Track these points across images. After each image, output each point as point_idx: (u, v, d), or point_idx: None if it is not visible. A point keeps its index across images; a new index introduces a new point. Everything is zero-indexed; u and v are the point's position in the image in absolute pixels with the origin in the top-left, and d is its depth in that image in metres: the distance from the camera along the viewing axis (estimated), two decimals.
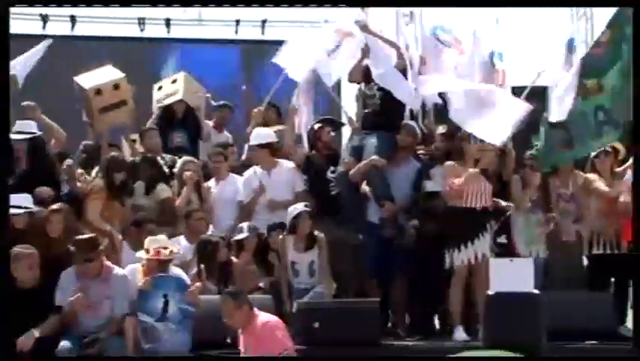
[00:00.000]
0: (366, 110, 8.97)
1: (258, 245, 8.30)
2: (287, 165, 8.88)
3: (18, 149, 8.26)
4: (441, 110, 9.11)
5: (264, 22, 12.90)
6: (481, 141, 8.30)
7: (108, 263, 7.51)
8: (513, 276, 7.07)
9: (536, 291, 7.09)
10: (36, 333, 7.11)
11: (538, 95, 9.27)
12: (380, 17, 9.36)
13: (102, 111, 9.18)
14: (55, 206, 7.83)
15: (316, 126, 8.98)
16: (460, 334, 8.00)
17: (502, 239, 8.41)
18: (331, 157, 8.92)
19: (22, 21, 12.67)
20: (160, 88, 10.11)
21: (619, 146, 8.62)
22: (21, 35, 12.57)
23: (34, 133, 8.40)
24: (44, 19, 12.16)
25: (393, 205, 8.54)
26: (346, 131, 9.92)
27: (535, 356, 6.64)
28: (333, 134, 9.09)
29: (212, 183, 8.93)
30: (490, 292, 7.18)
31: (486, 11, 9.34)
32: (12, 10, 12.29)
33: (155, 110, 10.01)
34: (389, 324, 8.68)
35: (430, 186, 8.46)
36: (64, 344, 7.12)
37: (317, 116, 9.50)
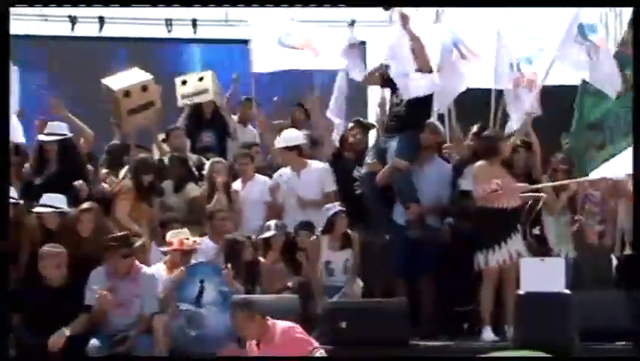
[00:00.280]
0: (392, 112, 8.97)
1: (285, 244, 8.31)
2: (316, 165, 8.90)
3: (49, 150, 8.33)
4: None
5: None
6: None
7: (137, 262, 7.57)
8: (544, 276, 7.06)
9: (567, 291, 7.09)
10: (67, 332, 7.16)
11: (568, 95, 9.24)
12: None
13: (130, 113, 9.25)
14: (85, 205, 7.88)
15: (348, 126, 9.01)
16: (488, 334, 7.97)
17: (537, 231, 8.35)
18: (359, 158, 8.92)
19: (51, 23, 12.80)
20: (184, 82, 10.14)
21: None
22: (51, 37, 12.73)
23: (65, 134, 8.45)
24: (73, 20, 12.24)
25: (418, 207, 8.53)
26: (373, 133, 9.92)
27: (567, 356, 6.60)
28: (359, 136, 9.11)
29: (238, 184, 8.96)
30: (520, 292, 7.17)
31: (507, 15, 9.27)
32: (39, 11, 12.55)
33: (180, 104, 10.05)
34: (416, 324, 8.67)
35: (464, 185, 8.43)
36: (94, 342, 7.18)
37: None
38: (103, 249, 7.48)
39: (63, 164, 8.31)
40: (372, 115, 10.03)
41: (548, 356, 6.20)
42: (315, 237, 8.26)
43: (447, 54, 8.97)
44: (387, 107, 9.11)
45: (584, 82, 8.89)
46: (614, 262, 8.63)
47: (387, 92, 9.12)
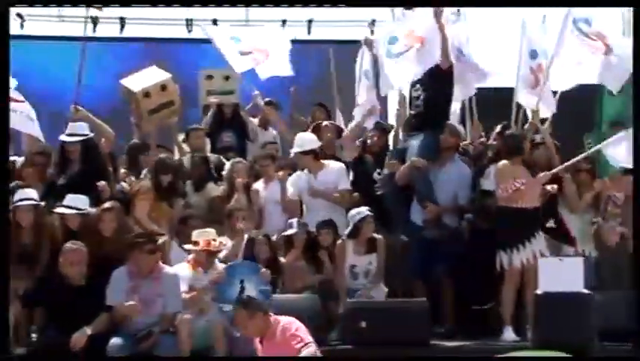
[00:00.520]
0: (411, 112, 8.96)
1: (307, 242, 8.32)
2: (333, 165, 8.90)
3: (72, 151, 8.37)
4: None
5: (310, 21, 12.91)
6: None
7: (159, 262, 7.57)
8: (562, 275, 7.02)
9: (586, 291, 7.05)
10: (88, 331, 7.17)
11: (592, 94, 9.21)
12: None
13: (151, 113, 9.28)
14: (107, 205, 7.91)
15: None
16: (509, 334, 7.95)
17: (551, 223, 8.30)
18: (379, 160, 8.93)
19: (70, 23, 12.86)
20: (210, 77, 10.13)
21: None
22: (71, 38, 12.78)
23: (87, 135, 8.49)
24: (94, 21, 12.30)
25: (436, 206, 8.52)
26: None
27: (586, 356, 6.56)
28: (377, 138, 9.13)
29: (260, 184, 8.97)
30: (538, 292, 7.14)
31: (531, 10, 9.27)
32: (60, 12, 12.63)
33: (205, 101, 10.04)
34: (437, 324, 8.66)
35: (486, 184, 8.42)
36: (115, 341, 7.17)
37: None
38: (127, 247, 7.47)
39: (85, 164, 8.34)
40: (392, 112, 10.01)
41: (566, 356, 6.19)
42: (340, 241, 8.25)
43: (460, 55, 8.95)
44: (407, 102, 9.11)
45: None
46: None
47: (407, 86, 9.13)
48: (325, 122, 9.60)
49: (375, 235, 8.30)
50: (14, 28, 12.53)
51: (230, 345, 7.33)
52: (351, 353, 7.62)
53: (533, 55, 8.97)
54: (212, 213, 8.68)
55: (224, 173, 9.09)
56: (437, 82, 8.71)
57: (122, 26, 12.94)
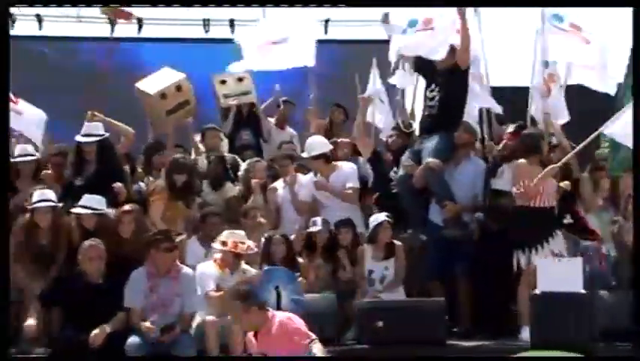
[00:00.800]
0: (426, 113, 8.96)
1: (327, 240, 8.33)
2: (345, 166, 8.88)
3: (88, 151, 8.41)
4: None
5: (326, 21, 12.92)
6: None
7: (177, 262, 7.56)
8: (561, 276, 7.04)
9: (583, 291, 7.09)
10: (107, 329, 7.20)
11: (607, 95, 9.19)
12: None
13: (168, 113, 9.33)
14: (126, 207, 7.94)
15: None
16: (526, 334, 7.91)
17: (568, 219, 8.27)
18: (397, 159, 8.95)
19: (89, 24, 12.94)
20: (223, 82, 10.17)
21: None
22: (90, 38, 12.88)
23: (102, 135, 8.53)
24: (112, 22, 12.37)
25: (455, 205, 8.51)
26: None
27: (586, 356, 6.55)
28: (396, 137, 9.14)
29: (280, 184, 8.98)
30: (537, 292, 7.17)
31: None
32: (75, 13, 12.72)
33: (224, 104, 10.06)
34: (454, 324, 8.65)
35: (498, 184, 8.40)
36: (134, 340, 7.18)
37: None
38: (145, 246, 7.49)
39: (101, 164, 8.38)
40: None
41: (568, 356, 6.18)
42: (360, 247, 8.29)
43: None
44: (422, 103, 9.13)
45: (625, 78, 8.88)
46: None
47: (422, 86, 9.14)
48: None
49: (395, 241, 8.32)
50: (33, 29, 12.67)
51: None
52: (367, 352, 7.61)
53: (546, 64, 9.00)
54: (229, 212, 8.69)
55: (240, 173, 9.11)
56: (452, 82, 8.69)
57: (140, 27, 13.00)
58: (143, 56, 12.33)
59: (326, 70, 10.67)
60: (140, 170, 9.16)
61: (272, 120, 10.45)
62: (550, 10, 8.83)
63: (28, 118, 8.85)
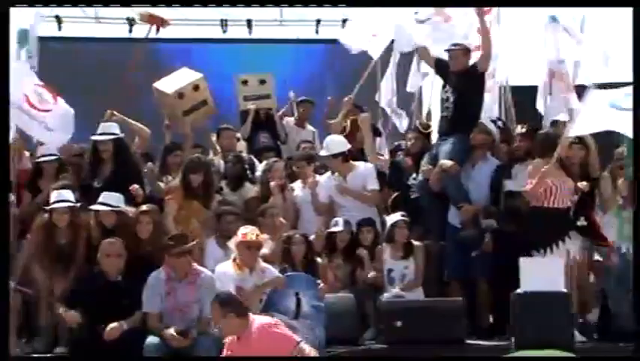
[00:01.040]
0: (443, 114, 8.94)
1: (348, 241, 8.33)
2: (363, 167, 8.90)
3: (104, 150, 8.43)
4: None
5: (344, 21, 12.90)
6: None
7: (195, 265, 7.51)
8: (543, 275, 7.09)
9: (565, 290, 7.15)
10: (124, 325, 7.21)
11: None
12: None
13: (186, 113, 9.34)
14: (144, 207, 7.95)
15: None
16: None
17: (582, 222, 8.22)
18: (416, 162, 8.95)
19: (108, 25, 13.00)
20: (245, 82, 10.14)
21: None
22: (109, 39, 12.92)
23: (117, 134, 8.54)
24: (131, 22, 12.41)
25: (471, 206, 8.49)
26: None
27: (586, 356, 6.60)
28: (414, 140, 9.13)
29: (298, 185, 8.99)
30: (519, 292, 7.21)
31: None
32: (94, 13, 12.77)
33: (243, 107, 10.06)
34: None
35: (511, 185, 8.36)
36: (152, 340, 7.16)
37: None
38: (161, 249, 7.49)
39: (117, 164, 8.40)
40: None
41: (567, 356, 6.19)
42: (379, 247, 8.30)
43: None
44: (439, 104, 9.11)
45: None
46: None
47: (438, 86, 9.11)
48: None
49: (414, 242, 8.32)
50: (52, 30, 12.73)
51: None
52: (386, 352, 7.60)
53: (560, 62, 8.98)
54: (247, 212, 8.66)
55: (257, 173, 9.10)
56: (467, 84, 8.67)
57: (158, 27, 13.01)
58: (160, 56, 12.34)
59: (346, 69, 10.70)
60: (156, 170, 9.16)
61: (291, 119, 10.44)
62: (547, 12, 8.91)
63: (39, 123, 8.85)
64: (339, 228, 8.31)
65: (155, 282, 7.38)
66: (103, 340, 7.12)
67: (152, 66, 10.56)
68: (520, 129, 8.87)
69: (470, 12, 8.88)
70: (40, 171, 8.56)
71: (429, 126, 9.48)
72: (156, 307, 7.32)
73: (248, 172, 9.15)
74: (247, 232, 7.52)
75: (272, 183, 8.69)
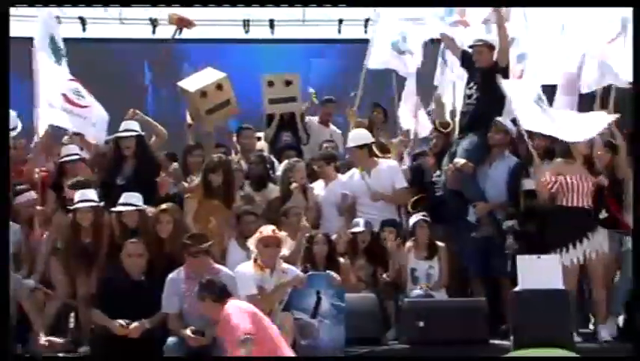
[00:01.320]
0: (464, 110, 8.91)
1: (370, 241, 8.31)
2: (387, 163, 8.90)
3: (127, 147, 8.46)
4: None
5: (366, 20, 12.88)
6: None
7: (215, 265, 7.51)
8: (541, 273, 7.12)
9: (563, 287, 7.15)
10: (147, 324, 7.24)
11: None
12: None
13: (209, 113, 9.34)
14: (164, 206, 7.95)
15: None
16: (605, 333, 7.87)
17: (603, 214, 8.15)
18: (438, 161, 8.93)
19: (131, 26, 13.04)
20: (271, 84, 10.11)
21: None
22: (132, 40, 12.97)
23: (138, 132, 8.57)
24: (153, 23, 12.46)
25: (485, 204, 8.46)
26: None
27: (586, 356, 6.66)
28: (436, 139, 9.12)
29: (319, 184, 8.98)
30: (516, 290, 7.22)
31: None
32: (117, 15, 12.83)
33: (268, 111, 10.04)
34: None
35: (528, 184, 8.30)
36: (172, 340, 7.18)
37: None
38: (180, 248, 7.49)
39: (140, 161, 8.43)
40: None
41: (567, 356, 6.14)
42: (401, 243, 8.29)
43: None
44: (461, 101, 9.07)
45: None
46: None
47: (462, 83, 9.11)
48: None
49: (438, 243, 8.31)
50: (76, 31, 12.80)
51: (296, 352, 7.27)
52: (408, 352, 7.57)
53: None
54: (270, 212, 8.65)
55: (278, 173, 9.09)
56: (491, 81, 8.61)
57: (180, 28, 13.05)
58: (184, 57, 12.39)
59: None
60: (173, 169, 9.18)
61: (315, 118, 10.43)
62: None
63: (84, 118, 8.89)
64: (361, 228, 8.30)
65: (174, 282, 7.39)
66: (125, 339, 7.14)
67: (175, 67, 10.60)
68: None
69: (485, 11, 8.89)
70: (64, 171, 8.61)
71: (449, 125, 9.45)
72: (174, 308, 7.33)
73: (270, 172, 9.16)
74: (264, 229, 7.53)
75: (293, 184, 8.66)
